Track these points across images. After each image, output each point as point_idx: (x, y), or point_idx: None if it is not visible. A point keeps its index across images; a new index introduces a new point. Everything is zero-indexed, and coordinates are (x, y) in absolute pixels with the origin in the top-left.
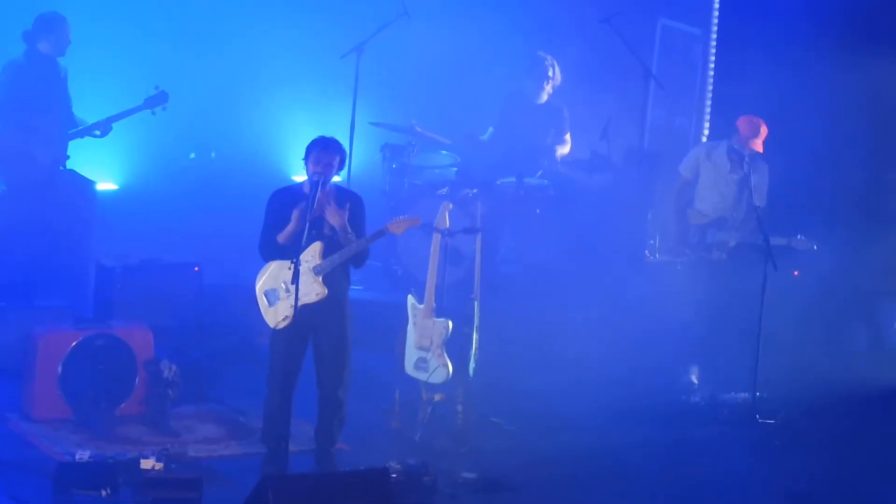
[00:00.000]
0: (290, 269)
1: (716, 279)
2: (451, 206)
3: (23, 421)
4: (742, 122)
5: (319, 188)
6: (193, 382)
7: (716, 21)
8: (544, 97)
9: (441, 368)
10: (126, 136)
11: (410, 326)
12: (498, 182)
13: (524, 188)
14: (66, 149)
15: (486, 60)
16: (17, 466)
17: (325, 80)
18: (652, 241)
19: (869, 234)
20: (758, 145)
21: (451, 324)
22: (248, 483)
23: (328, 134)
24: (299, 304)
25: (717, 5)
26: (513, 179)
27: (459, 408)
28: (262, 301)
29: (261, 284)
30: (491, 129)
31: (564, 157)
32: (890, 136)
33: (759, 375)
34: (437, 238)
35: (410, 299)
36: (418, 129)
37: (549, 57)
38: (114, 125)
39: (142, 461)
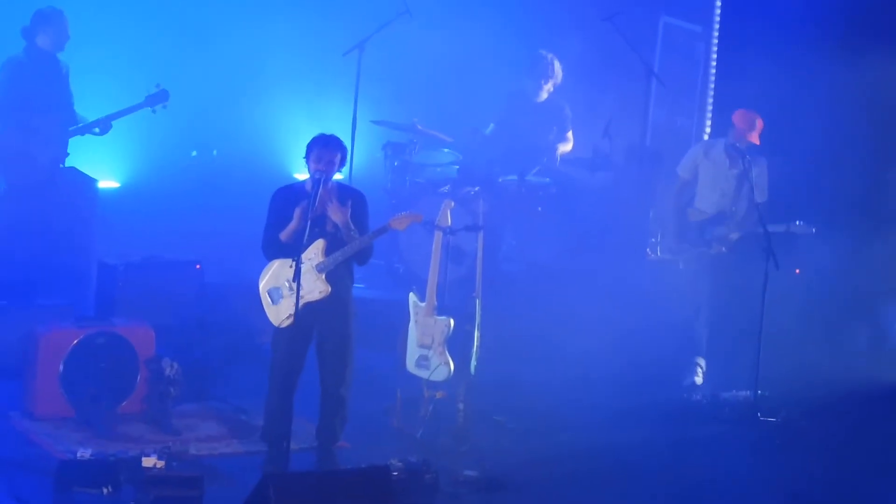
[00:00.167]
0: (292, 267)
1: (717, 277)
2: (452, 203)
3: (24, 419)
4: (738, 116)
5: (321, 186)
6: (195, 380)
7: (718, 19)
8: (545, 95)
9: (442, 366)
10: (128, 134)
11: (412, 324)
12: (500, 180)
13: (526, 186)
14: (66, 147)
15: (487, 58)
16: (18, 464)
17: (327, 78)
18: (653, 240)
19: (870, 234)
20: (754, 138)
21: (452, 322)
22: (249, 481)
23: (330, 132)
24: (303, 302)
25: (718, 3)
26: (514, 177)
27: (461, 406)
28: (266, 299)
29: (264, 283)
30: (492, 125)
31: (566, 156)
32: (891, 135)
33: (761, 374)
34: (438, 236)
35: (412, 297)
36: (420, 127)
37: (550, 55)
38: (115, 123)
39: (143, 459)
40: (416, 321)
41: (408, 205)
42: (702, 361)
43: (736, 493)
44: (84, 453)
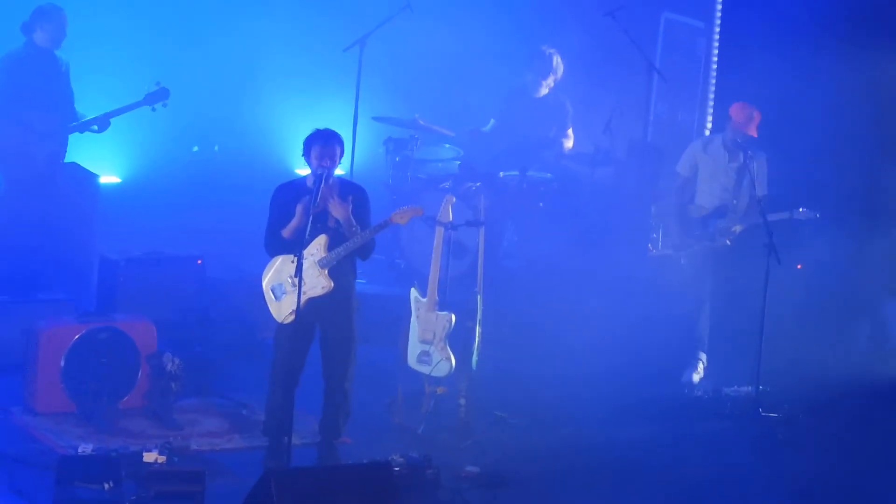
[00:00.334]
0: (293, 263)
1: (719, 272)
2: (454, 199)
3: (26, 414)
4: (735, 110)
5: (323, 182)
6: (196, 376)
7: (719, 15)
8: (546, 91)
9: (444, 362)
10: (129, 130)
11: (413, 320)
12: (501, 175)
13: (527, 181)
14: (65, 144)
15: (488, 54)
16: (19, 459)
17: (328, 74)
18: (655, 235)
19: (871, 230)
20: (752, 131)
21: (453, 317)
22: (251, 476)
23: (331, 127)
24: (306, 297)
25: None
26: (516, 173)
27: (462, 401)
28: (269, 296)
29: (267, 279)
30: (493, 121)
31: (567, 151)
32: (893, 130)
33: (762, 370)
34: (440, 231)
35: (413, 293)
36: (421, 123)
37: (550, 50)
38: (115, 120)
39: (144, 454)
40: (417, 317)
41: (409, 200)
42: (703, 357)
43: (737, 489)
44: (85, 448)
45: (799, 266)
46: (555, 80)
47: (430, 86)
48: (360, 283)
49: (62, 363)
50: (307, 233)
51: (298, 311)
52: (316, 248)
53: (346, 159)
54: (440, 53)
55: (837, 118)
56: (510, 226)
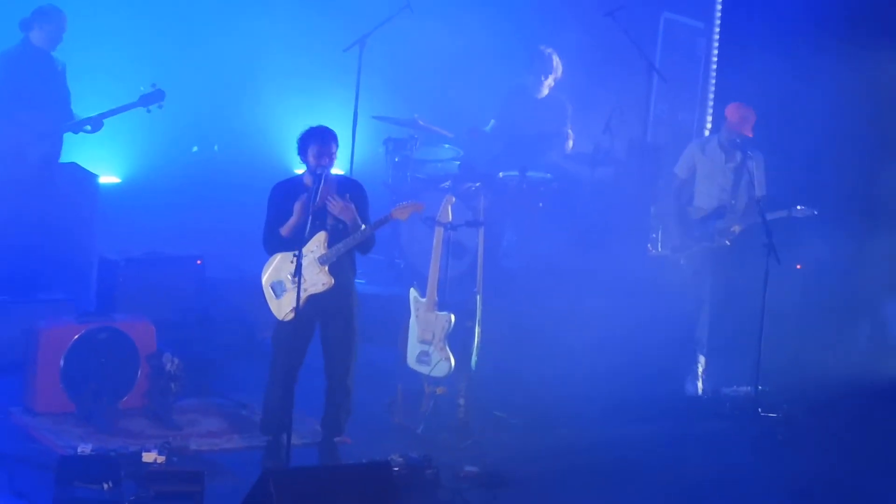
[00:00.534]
0: (293, 261)
1: (718, 272)
2: (453, 199)
3: (25, 414)
4: (729, 110)
5: (323, 180)
6: (196, 376)
7: (719, 15)
8: (544, 91)
9: (443, 362)
10: (129, 130)
11: (413, 320)
12: (500, 175)
13: (527, 182)
14: (60, 144)
15: (488, 54)
16: (19, 460)
17: (328, 74)
18: (654, 235)
19: (872, 230)
20: (748, 130)
21: (453, 317)
22: (250, 476)
23: (331, 127)
24: (306, 294)
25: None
26: (515, 173)
27: (462, 401)
28: (269, 293)
29: (267, 277)
30: (493, 122)
31: (567, 152)
32: (892, 130)
33: (762, 370)
34: (439, 231)
35: (413, 293)
36: (421, 123)
37: (549, 49)
38: (115, 119)
39: (144, 455)
40: (416, 317)
41: (409, 200)
42: (702, 360)
43: (737, 489)
44: (85, 449)
45: (798, 266)
46: (555, 80)
47: (429, 86)
48: (360, 283)
49: (62, 363)
50: (307, 230)
51: (298, 309)
52: (315, 245)
53: (345, 159)
54: (440, 53)
55: (837, 118)
56: (510, 226)
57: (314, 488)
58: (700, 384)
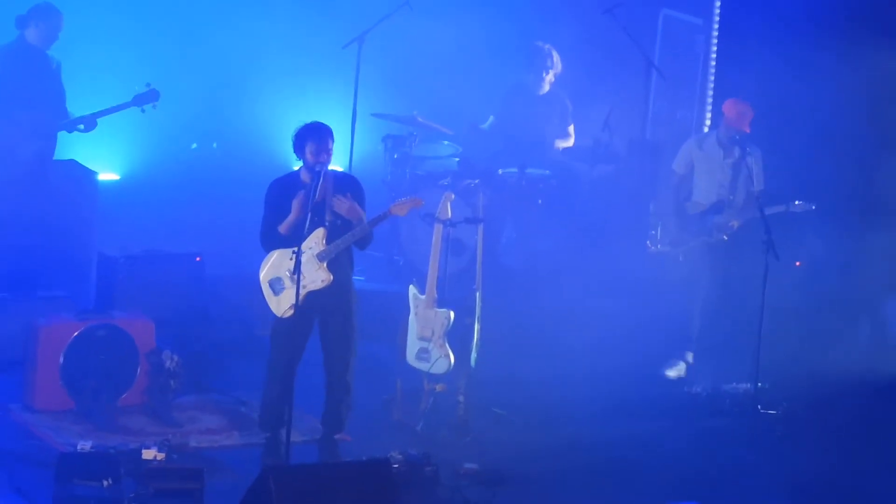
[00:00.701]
0: (292, 259)
1: (717, 268)
2: (452, 196)
3: (24, 411)
4: (727, 106)
5: (321, 177)
6: (195, 373)
7: (718, 11)
8: (545, 87)
9: (443, 359)
10: (128, 127)
11: (412, 317)
12: (500, 172)
13: (526, 178)
14: (54, 142)
15: (487, 51)
16: (18, 457)
17: (327, 71)
18: (653, 232)
19: (871, 226)
20: (745, 126)
21: (452, 314)
22: (250, 473)
23: (329, 124)
24: (305, 291)
25: None
26: (515, 170)
27: (461, 398)
28: (267, 290)
29: (265, 274)
30: (492, 118)
31: (566, 148)
32: (891, 127)
33: (761, 366)
34: (438, 228)
35: (412, 289)
36: (420, 120)
37: (547, 45)
38: (112, 117)
39: (143, 452)
40: (416, 314)
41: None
42: (689, 356)
43: (737, 486)
44: (84, 446)
45: (798, 263)
46: (555, 76)
47: (428, 83)
48: (359, 280)
49: (61, 360)
50: (306, 227)
51: (298, 306)
52: (314, 242)
53: (344, 156)
54: (439, 50)
55: (836, 114)
56: (509, 223)
57: (314, 485)
58: (675, 373)
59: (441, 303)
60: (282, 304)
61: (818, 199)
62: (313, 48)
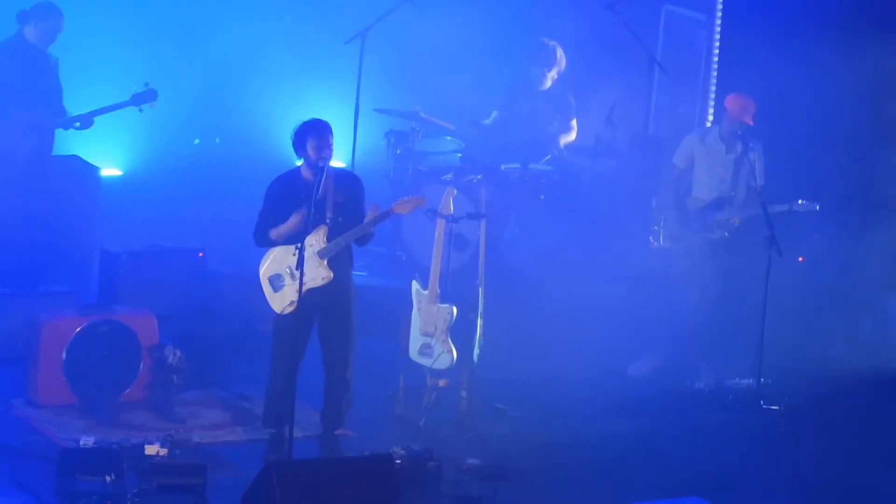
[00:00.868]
0: (294, 254)
1: (719, 265)
2: (455, 191)
3: (27, 406)
4: (729, 100)
5: (324, 175)
6: (198, 368)
7: (720, 7)
8: (548, 83)
9: (445, 354)
10: (130, 123)
11: (415, 312)
12: (502, 168)
13: (528, 174)
14: (51, 139)
15: (490, 46)
16: (21, 452)
17: (330, 66)
18: (656, 228)
19: (874, 223)
20: (748, 119)
21: (455, 310)
22: (252, 469)
23: (332, 119)
24: (305, 288)
25: None
26: (517, 165)
27: (464, 394)
28: (267, 287)
29: (264, 270)
30: (495, 113)
31: (569, 144)
32: (893, 122)
33: (764, 362)
34: (441, 224)
35: (415, 285)
36: (422, 115)
37: (552, 42)
38: (115, 112)
39: (146, 447)
40: (418, 309)
41: (410, 193)
42: (706, 361)
43: (739, 482)
44: (87, 441)
45: (800, 259)
46: (558, 72)
47: (431, 78)
48: (362, 276)
49: (64, 355)
50: (308, 226)
51: (299, 302)
52: (315, 239)
53: (347, 152)
54: (441, 46)
55: (838, 110)
56: (511, 218)
57: (316, 481)
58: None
59: (444, 298)
60: (282, 301)
61: (820, 195)
62: (316, 43)
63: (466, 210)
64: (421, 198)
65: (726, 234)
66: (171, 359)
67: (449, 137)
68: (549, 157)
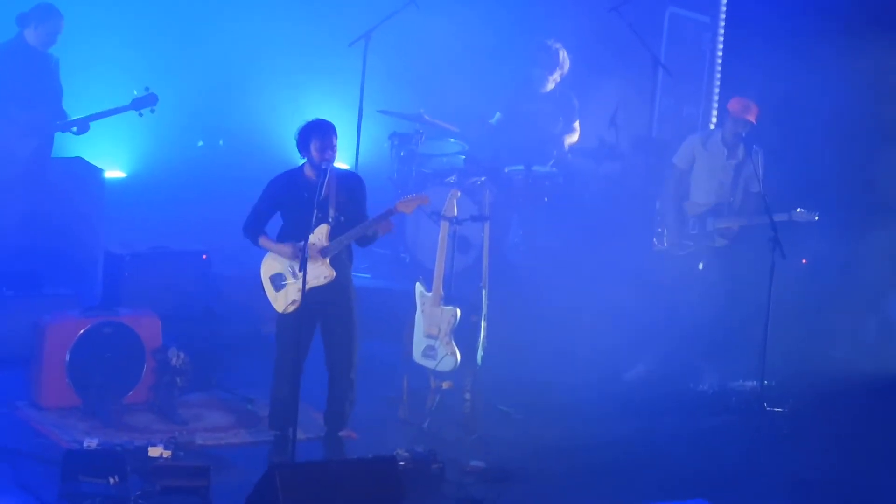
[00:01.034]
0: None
1: (723, 266)
2: (458, 193)
3: (31, 409)
4: (732, 103)
5: (327, 175)
6: (201, 370)
7: (724, 9)
8: (550, 85)
9: (449, 356)
10: (134, 125)
11: (418, 314)
12: (506, 170)
13: (532, 176)
14: (50, 140)
15: (494, 48)
16: (25, 454)
17: (333, 68)
18: (660, 230)
19: (879, 224)
20: (751, 116)
21: (459, 312)
22: (256, 471)
23: (336, 121)
24: (307, 287)
25: None
26: (521, 167)
27: (467, 396)
28: (268, 286)
29: (265, 269)
30: (498, 115)
31: (573, 146)
32: None
33: (767, 364)
34: (445, 226)
35: (418, 287)
36: (426, 117)
37: (556, 44)
38: (116, 116)
39: (150, 449)
40: (422, 311)
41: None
42: (709, 363)
43: (743, 483)
44: (90, 443)
45: (804, 261)
46: (561, 75)
47: (434, 80)
48: (365, 278)
49: (67, 357)
50: (312, 223)
51: (301, 301)
52: (317, 238)
53: (350, 154)
54: (445, 48)
55: (842, 110)
56: (515, 220)
57: (320, 483)
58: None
59: (447, 300)
60: (282, 300)
61: (825, 194)
62: (320, 45)
63: (470, 212)
64: (425, 196)
65: (726, 242)
66: (174, 361)
67: (452, 139)
68: (553, 160)
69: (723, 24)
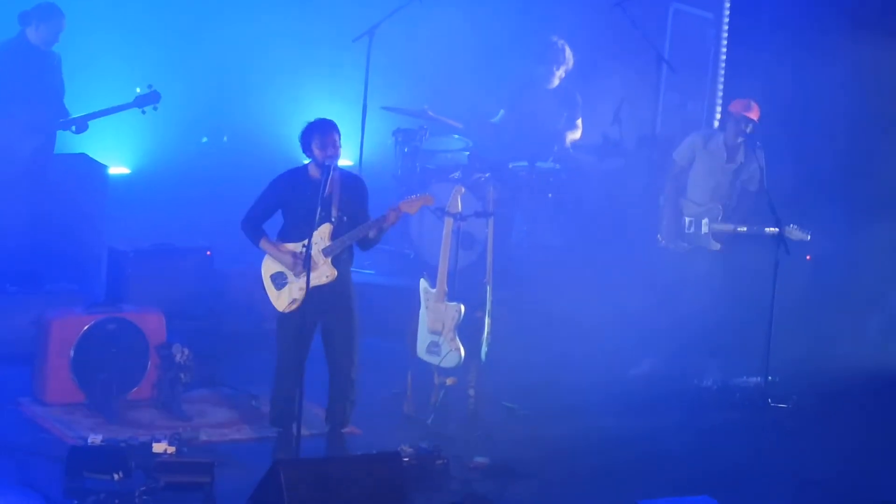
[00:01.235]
0: (301, 251)
1: (725, 265)
2: (463, 189)
3: (35, 405)
4: (733, 104)
5: (331, 173)
6: (205, 366)
7: (728, 5)
8: (556, 81)
9: (453, 353)
10: (138, 121)
11: (423, 310)
12: (510, 166)
13: (536, 172)
14: (53, 138)
15: (498, 44)
16: (29, 450)
17: (337, 64)
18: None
19: (884, 220)
20: (754, 114)
21: (463, 308)
22: (260, 467)
23: (340, 118)
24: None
25: None
26: (525, 164)
27: (471, 392)
28: (269, 285)
29: (266, 267)
30: (502, 112)
31: (576, 142)
32: None
33: (772, 360)
34: (449, 222)
35: (423, 283)
36: (430, 114)
37: (561, 41)
38: (120, 113)
39: (154, 445)
40: (426, 307)
41: (418, 191)
42: (713, 360)
43: (747, 480)
44: (95, 439)
45: (808, 257)
46: (566, 71)
47: (439, 76)
48: (369, 274)
49: (72, 354)
50: (316, 221)
51: (304, 299)
52: (320, 237)
53: (354, 150)
54: (449, 44)
55: (845, 107)
56: (519, 216)
57: (324, 479)
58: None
59: (451, 296)
60: (284, 299)
61: (830, 191)
62: (324, 41)
63: (474, 208)
64: (429, 196)
65: (719, 246)
66: (178, 357)
67: (457, 136)
68: (555, 149)
69: (726, 20)
